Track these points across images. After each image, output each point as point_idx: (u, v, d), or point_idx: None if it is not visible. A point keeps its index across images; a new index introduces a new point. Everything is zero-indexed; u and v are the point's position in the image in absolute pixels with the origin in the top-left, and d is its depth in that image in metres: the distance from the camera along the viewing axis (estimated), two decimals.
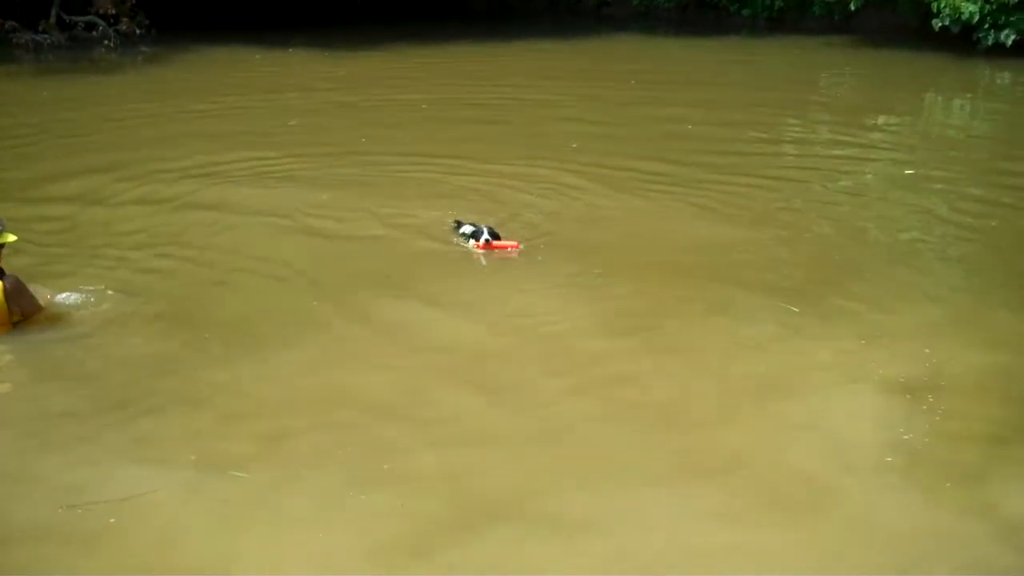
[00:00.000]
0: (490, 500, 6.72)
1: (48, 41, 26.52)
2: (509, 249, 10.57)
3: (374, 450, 7.18)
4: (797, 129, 16.92)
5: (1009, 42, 23.94)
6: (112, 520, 6.35)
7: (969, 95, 18.08)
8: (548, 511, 6.62)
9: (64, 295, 9.36)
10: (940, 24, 24.51)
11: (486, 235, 10.47)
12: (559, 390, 8.13)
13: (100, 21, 27.16)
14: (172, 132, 17.09)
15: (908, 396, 7.94)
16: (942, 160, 14.99)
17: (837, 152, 15.45)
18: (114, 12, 27.14)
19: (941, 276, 10.56)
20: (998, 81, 23.24)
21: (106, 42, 27.01)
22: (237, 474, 6.86)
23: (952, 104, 17.77)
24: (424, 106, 18.53)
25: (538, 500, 6.73)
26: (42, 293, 9.07)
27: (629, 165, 14.52)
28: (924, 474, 7.01)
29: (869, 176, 14.23)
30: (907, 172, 14.15)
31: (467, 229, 10.95)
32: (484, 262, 10.21)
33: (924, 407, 7.81)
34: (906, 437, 7.45)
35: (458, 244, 10.77)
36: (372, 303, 9.64)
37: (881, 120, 17.31)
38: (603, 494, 6.86)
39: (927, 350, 8.68)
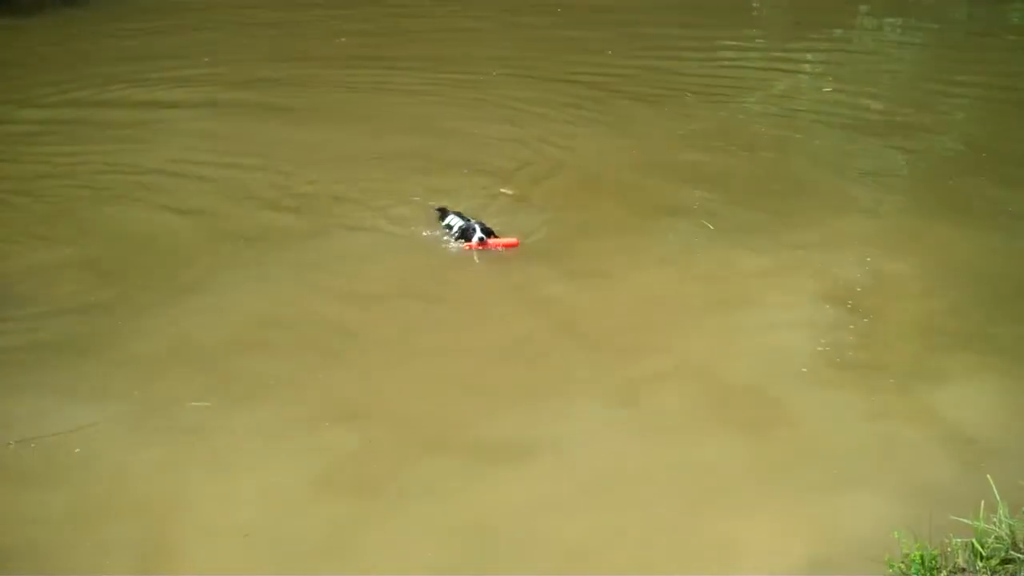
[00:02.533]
0: (435, 430, 6.97)
1: None
2: (505, 248, 9.38)
3: (315, 385, 7.42)
4: (729, 48, 16.95)
5: None
6: (62, 458, 6.58)
7: (901, 16, 18.32)
8: (492, 437, 6.89)
9: None
10: None
11: (479, 233, 9.32)
12: (493, 317, 8.42)
13: None
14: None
15: (846, 304, 8.32)
16: (871, 78, 15.23)
17: (768, 68, 15.38)
18: None
19: (873, 191, 10.79)
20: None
21: None
22: (197, 404, 7.09)
23: (884, 23, 17.99)
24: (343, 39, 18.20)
25: (481, 427, 6.99)
26: None
27: (546, 89, 14.13)
28: (866, 382, 7.34)
29: (800, 95, 14.25)
30: (825, 90, 14.22)
31: (453, 222, 9.70)
32: (477, 260, 9.18)
33: (862, 315, 8.16)
34: (845, 346, 7.83)
35: (445, 240, 9.54)
36: (294, 241, 9.66)
37: (813, 36, 17.46)
38: (546, 417, 7.12)
39: (867, 259, 9.06)
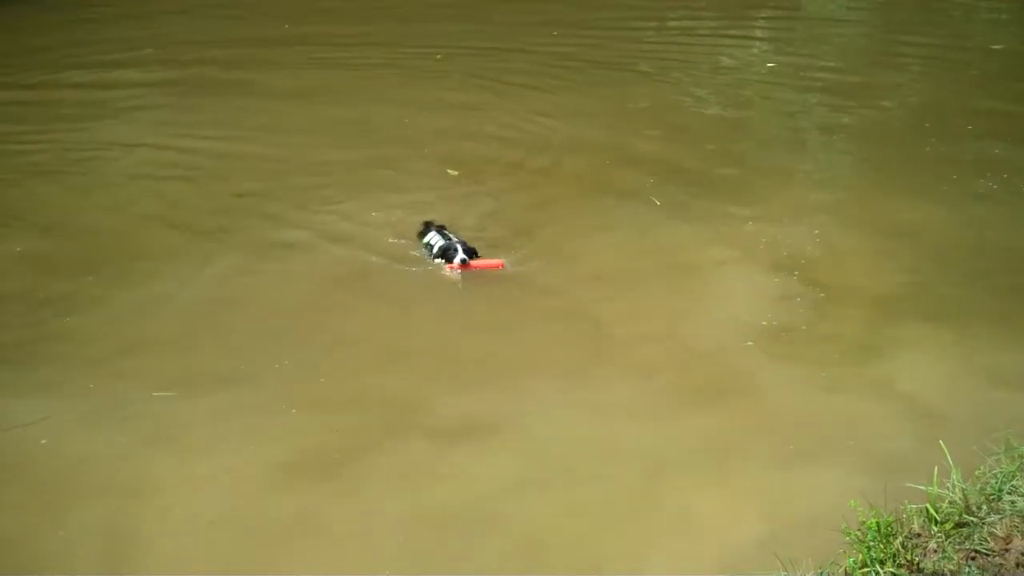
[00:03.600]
0: (397, 413, 6.97)
1: None
2: (488, 269, 8.82)
3: (275, 372, 7.40)
4: (678, 22, 16.94)
5: None
6: (21, 450, 6.56)
7: None
8: (454, 418, 6.91)
9: None
10: None
11: (461, 254, 8.69)
12: (450, 298, 8.48)
13: None
14: None
15: (798, 276, 8.42)
16: (821, 47, 15.31)
17: (717, 42, 15.44)
18: None
19: (822, 162, 10.98)
20: None
21: None
22: (162, 394, 7.06)
23: None
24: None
25: (443, 409, 7.01)
26: None
27: (491, 69, 14.10)
28: (821, 353, 7.45)
29: (748, 68, 14.36)
30: (769, 65, 14.31)
31: (434, 240, 9.06)
32: (459, 282, 8.61)
33: (814, 287, 8.26)
34: (799, 319, 7.92)
35: (426, 261, 8.93)
36: (257, 232, 9.57)
37: (762, 6, 17.50)
38: (505, 397, 7.17)
39: (816, 231, 9.18)
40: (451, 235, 9.07)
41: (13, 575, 5.63)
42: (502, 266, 8.80)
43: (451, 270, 8.71)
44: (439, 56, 14.63)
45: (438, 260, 8.81)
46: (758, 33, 15.86)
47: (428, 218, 9.45)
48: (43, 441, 6.62)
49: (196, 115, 12.48)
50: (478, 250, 8.84)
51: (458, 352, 7.72)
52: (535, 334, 7.86)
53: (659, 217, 9.58)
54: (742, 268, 8.66)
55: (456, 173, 10.67)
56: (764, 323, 7.80)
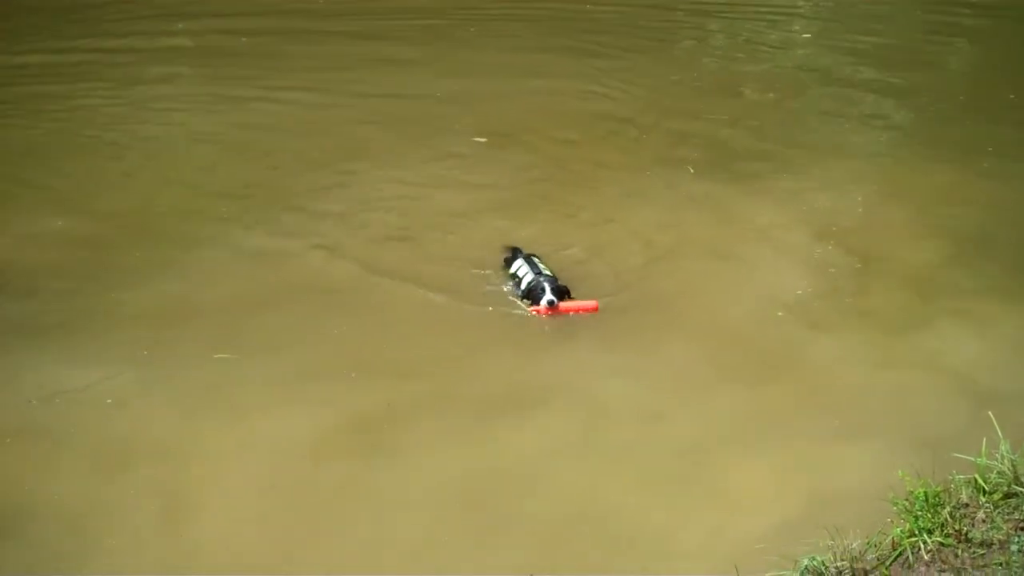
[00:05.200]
0: (444, 383, 7.01)
1: None
2: (581, 312, 7.71)
3: (326, 339, 7.45)
4: None
5: None
6: (79, 416, 6.65)
7: None
8: (499, 388, 6.95)
9: None
10: None
11: (548, 294, 7.54)
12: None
13: None
14: None
15: (842, 249, 8.34)
16: (865, 18, 15.04)
17: (757, 16, 14.81)
18: None
19: (869, 133, 10.83)
20: None
21: None
22: (221, 356, 7.14)
23: None
24: None
25: (488, 379, 7.04)
26: None
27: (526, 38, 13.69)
28: (864, 325, 7.42)
29: (790, 41, 14.09)
30: (805, 36, 14.11)
31: (522, 271, 7.94)
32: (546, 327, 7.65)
33: (858, 260, 8.21)
34: (843, 292, 7.87)
35: (511, 299, 7.93)
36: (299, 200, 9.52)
37: None
38: (549, 368, 7.22)
39: (859, 199, 9.10)
40: (540, 264, 8.00)
41: (75, 535, 5.72)
42: (596, 308, 7.68)
43: (536, 314, 7.61)
44: (472, 29, 14.24)
45: (523, 299, 7.75)
46: (800, 4, 15.59)
47: (514, 243, 8.50)
48: (108, 401, 6.72)
49: (232, 85, 12.24)
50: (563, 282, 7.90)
51: (501, 320, 7.71)
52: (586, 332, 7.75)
53: (697, 188, 9.52)
54: (784, 239, 8.60)
55: (484, 140, 10.59)
56: (807, 294, 7.76)
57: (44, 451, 6.36)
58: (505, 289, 8.01)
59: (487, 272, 8.33)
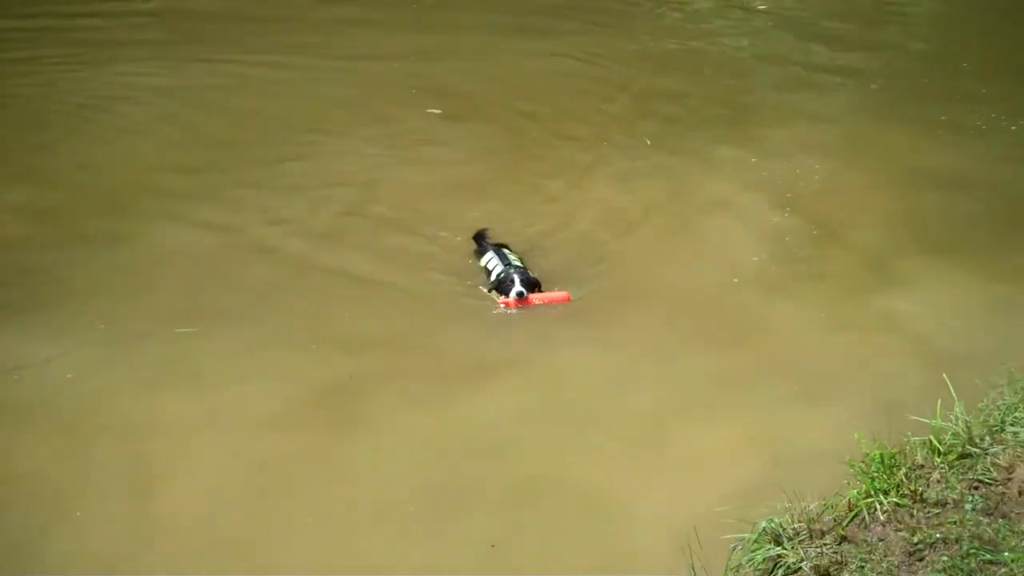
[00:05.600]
0: (410, 351, 7.01)
1: None
2: (551, 303, 7.53)
3: (283, 315, 7.40)
4: None
5: None
6: (41, 391, 6.58)
7: None
8: (464, 357, 6.96)
9: None
10: None
11: (518, 286, 7.42)
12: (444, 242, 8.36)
13: None
14: None
15: (798, 212, 8.40)
16: None
17: None
18: None
19: (826, 101, 10.82)
20: None
21: None
22: (184, 329, 7.08)
23: None
24: None
25: (443, 353, 7.03)
26: None
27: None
28: (825, 293, 7.47)
29: (732, 12, 13.80)
30: (761, 8, 13.88)
31: (492, 264, 7.83)
32: (511, 313, 7.46)
33: (815, 223, 8.26)
34: (801, 254, 7.93)
35: (482, 290, 7.74)
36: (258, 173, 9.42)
37: None
38: (511, 344, 7.25)
39: (815, 166, 9.14)
40: (510, 255, 7.83)
41: (45, 508, 5.69)
42: (568, 299, 7.53)
43: (505, 307, 7.46)
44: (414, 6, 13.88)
45: (492, 291, 7.59)
46: None
47: (473, 216, 8.45)
48: (68, 375, 6.64)
49: (194, 62, 11.91)
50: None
51: (460, 289, 7.74)
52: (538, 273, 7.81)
53: (656, 157, 9.52)
54: (742, 206, 8.63)
55: (438, 112, 10.48)
56: (765, 261, 7.81)
57: (7, 425, 6.30)
58: (481, 288, 7.74)
59: (446, 235, 8.37)
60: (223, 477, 5.92)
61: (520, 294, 7.35)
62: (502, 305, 7.44)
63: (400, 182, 9.21)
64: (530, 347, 7.07)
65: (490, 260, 7.82)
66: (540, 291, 7.53)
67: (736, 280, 7.62)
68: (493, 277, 7.62)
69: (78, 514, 5.63)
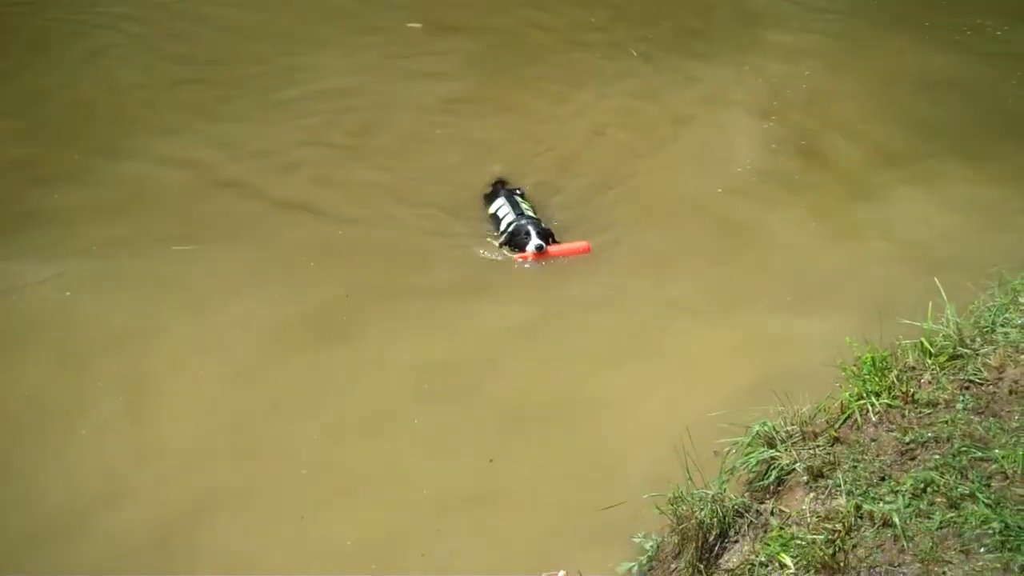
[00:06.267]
0: (404, 272, 6.99)
1: None
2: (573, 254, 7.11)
3: (278, 235, 7.36)
4: None
5: None
6: (38, 310, 6.56)
7: None
8: (450, 282, 6.91)
9: None
10: None
11: (535, 239, 6.97)
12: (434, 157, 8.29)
13: None
14: None
15: (786, 121, 8.32)
16: None
17: None
18: None
19: (811, 11, 10.55)
20: None
21: None
22: (181, 247, 7.05)
23: None
24: None
25: (436, 272, 7.01)
26: None
27: None
28: (813, 200, 7.46)
29: None
30: None
31: (502, 211, 7.30)
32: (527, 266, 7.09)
33: (804, 132, 8.21)
34: (791, 164, 7.87)
35: (490, 241, 7.32)
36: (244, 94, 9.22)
37: None
38: (502, 263, 7.13)
39: (805, 73, 9.03)
40: (522, 203, 7.34)
41: (46, 427, 5.73)
42: (588, 250, 7.09)
43: (521, 260, 7.02)
44: None
45: (505, 244, 7.10)
46: None
47: (471, 146, 8.08)
48: (67, 294, 6.63)
49: None
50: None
51: (449, 200, 7.68)
52: (518, 182, 7.78)
53: (641, 69, 9.41)
54: (730, 116, 8.58)
55: (419, 26, 10.28)
56: (755, 171, 7.79)
57: (4, 345, 6.30)
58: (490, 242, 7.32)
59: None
60: (221, 394, 5.94)
61: (539, 247, 6.91)
62: (518, 260, 6.99)
63: (389, 101, 9.05)
64: (522, 265, 7.02)
65: (500, 207, 7.30)
66: (555, 242, 7.11)
67: (720, 190, 7.59)
68: (503, 227, 7.12)
69: (81, 431, 5.66)
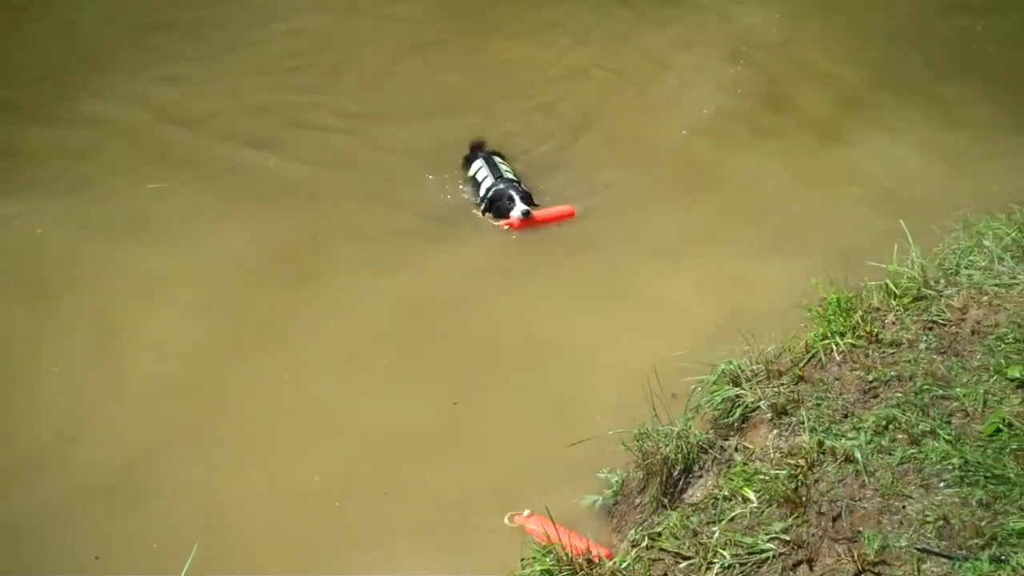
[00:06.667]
0: (359, 218, 6.93)
1: None
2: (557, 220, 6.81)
3: (250, 173, 7.33)
4: None
5: None
6: (6, 246, 6.55)
7: None
8: (417, 224, 6.88)
9: None
10: None
11: (520, 204, 6.64)
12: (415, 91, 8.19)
13: None
14: None
15: (755, 64, 8.28)
16: None
17: None
18: None
19: None
20: None
21: None
22: (155, 185, 7.03)
23: None
24: None
25: (404, 213, 6.97)
26: None
27: None
28: (781, 143, 7.46)
29: None
30: None
31: (480, 175, 6.96)
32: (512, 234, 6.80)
33: (773, 75, 8.18)
34: (759, 107, 7.84)
35: (469, 201, 7.10)
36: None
37: None
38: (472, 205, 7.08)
39: (775, 16, 8.97)
40: (502, 165, 7.00)
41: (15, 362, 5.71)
42: (572, 214, 6.81)
43: (506, 227, 6.71)
44: None
45: (488, 211, 6.76)
46: None
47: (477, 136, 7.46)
48: (38, 231, 6.58)
49: None
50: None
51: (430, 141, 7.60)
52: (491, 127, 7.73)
53: (610, 8, 9.33)
54: (698, 58, 8.53)
55: None
56: (724, 114, 7.77)
57: None
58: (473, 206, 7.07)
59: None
60: (192, 330, 5.93)
61: (525, 213, 6.57)
62: (503, 227, 6.68)
63: (370, 42, 8.98)
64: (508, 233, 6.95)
65: (479, 170, 6.96)
66: (536, 206, 6.80)
67: (686, 132, 7.58)
68: (483, 192, 6.80)
69: (51, 367, 5.63)
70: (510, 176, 6.88)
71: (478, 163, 6.99)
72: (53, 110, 7.91)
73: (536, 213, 6.62)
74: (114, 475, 5.03)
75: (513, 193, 6.60)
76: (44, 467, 5.07)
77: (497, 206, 6.66)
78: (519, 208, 6.55)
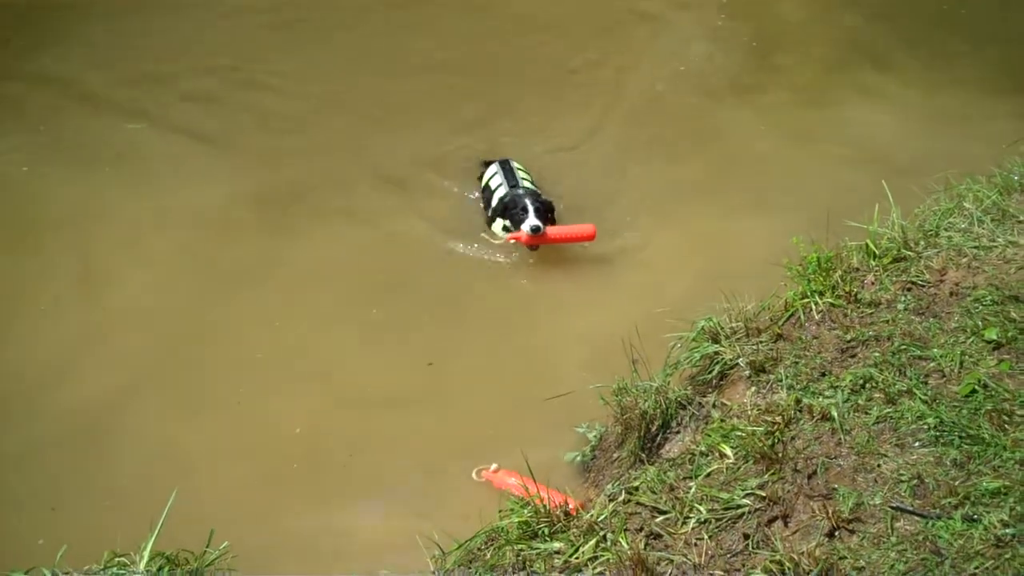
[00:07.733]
0: (339, 167, 6.88)
1: None
2: (574, 241, 6.07)
3: (233, 116, 7.27)
4: None
5: None
6: None
7: None
8: (397, 173, 6.83)
9: None
10: None
11: (532, 218, 5.88)
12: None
13: None
14: None
15: (743, 20, 8.19)
16: None
17: None
18: None
19: None
20: None
21: None
22: (133, 125, 7.02)
23: None
24: None
25: (386, 162, 6.93)
26: None
27: None
28: (769, 101, 7.42)
29: None
30: None
31: (494, 182, 6.26)
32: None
33: (761, 33, 8.10)
34: (747, 64, 7.77)
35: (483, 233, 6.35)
36: None
37: None
38: (467, 138, 7.11)
39: None
40: (519, 171, 6.33)
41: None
42: (593, 236, 5.96)
43: (512, 242, 6.01)
44: None
45: (496, 220, 6.10)
46: None
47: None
48: (24, 168, 6.56)
49: None
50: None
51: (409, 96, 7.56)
52: (498, 84, 7.71)
53: None
54: (690, 15, 8.42)
55: None
56: (710, 70, 7.74)
57: None
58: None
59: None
60: (173, 272, 5.91)
61: (535, 229, 5.81)
62: (509, 241, 6.00)
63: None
64: (475, 166, 6.91)
65: (493, 176, 6.30)
66: (554, 220, 6.11)
67: (682, 90, 7.53)
68: (495, 201, 6.09)
69: (32, 307, 5.61)
70: (528, 185, 6.21)
71: (493, 168, 6.35)
72: (30, 47, 7.83)
73: (550, 231, 5.90)
74: (83, 421, 5.03)
75: (528, 204, 5.89)
76: (17, 412, 5.07)
77: (511, 214, 5.96)
78: (529, 223, 5.81)
